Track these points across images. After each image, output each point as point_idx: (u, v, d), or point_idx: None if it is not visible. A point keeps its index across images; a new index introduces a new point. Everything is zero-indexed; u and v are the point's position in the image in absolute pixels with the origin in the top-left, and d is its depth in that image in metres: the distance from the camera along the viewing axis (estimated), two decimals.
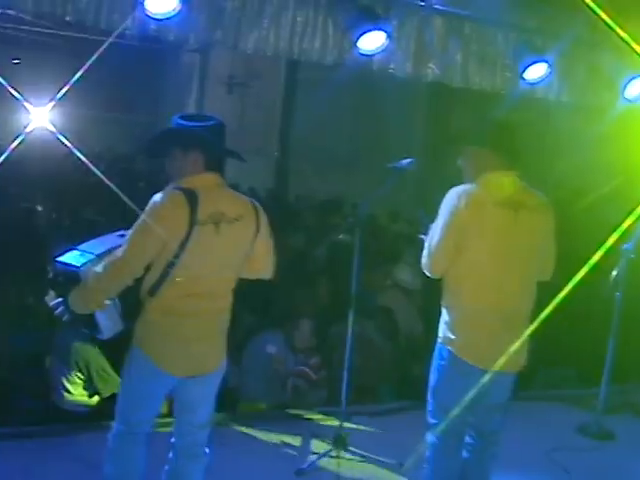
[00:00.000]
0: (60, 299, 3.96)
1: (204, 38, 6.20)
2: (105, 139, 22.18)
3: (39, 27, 17.29)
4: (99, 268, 3.78)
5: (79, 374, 5.88)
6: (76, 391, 5.90)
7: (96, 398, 5.93)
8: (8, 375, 6.16)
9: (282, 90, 18.28)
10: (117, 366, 5.89)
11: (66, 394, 5.90)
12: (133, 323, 3.98)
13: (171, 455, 4.22)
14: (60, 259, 4.03)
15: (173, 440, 4.21)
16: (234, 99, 18.38)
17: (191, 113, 4.05)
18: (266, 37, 6.19)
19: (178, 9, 5.58)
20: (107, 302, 3.92)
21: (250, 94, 18.40)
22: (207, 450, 4.24)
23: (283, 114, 18.25)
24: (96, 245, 4.02)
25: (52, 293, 4.02)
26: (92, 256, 3.93)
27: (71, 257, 3.99)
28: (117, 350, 6.00)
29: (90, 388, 5.91)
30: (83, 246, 4.06)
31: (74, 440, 5.52)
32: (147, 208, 3.75)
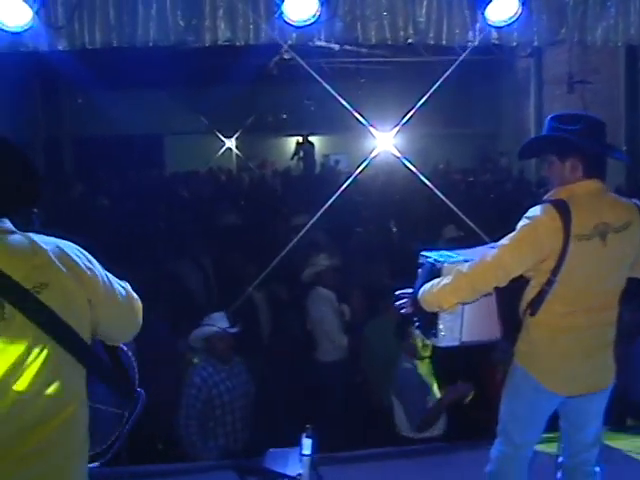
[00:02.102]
0: (410, 290, 3.97)
1: (547, 38, 5.99)
2: (447, 155, 22.44)
3: (374, 57, 17.94)
4: (464, 267, 3.71)
5: None
6: None
7: None
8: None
9: (623, 82, 17.31)
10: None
11: None
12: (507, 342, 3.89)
13: (559, 476, 4.04)
14: (425, 253, 4.06)
15: (561, 460, 4.01)
16: (574, 98, 17.68)
17: (566, 113, 3.79)
18: (614, 27, 5.84)
19: (519, 13, 5.48)
20: (457, 307, 3.82)
21: (589, 91, 17.61)
22: (597, 469, 3.99)
23: (627, 107, 17.28)
24: (467, 253, 3.96)
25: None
26: (459, 258, 3.88)
27: (437, 255, 3.99)
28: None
29: None
30: (453, 251, 4.04)
31: (452, 459, 5.50)
32: (523, 222, 3.63)
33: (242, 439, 5.90)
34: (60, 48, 5.72)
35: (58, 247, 2.40)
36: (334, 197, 9.04)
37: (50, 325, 2.28)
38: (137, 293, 2.69)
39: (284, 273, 8.61)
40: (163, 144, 23.77)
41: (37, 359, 2.27)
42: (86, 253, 2.50)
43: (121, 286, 2.63)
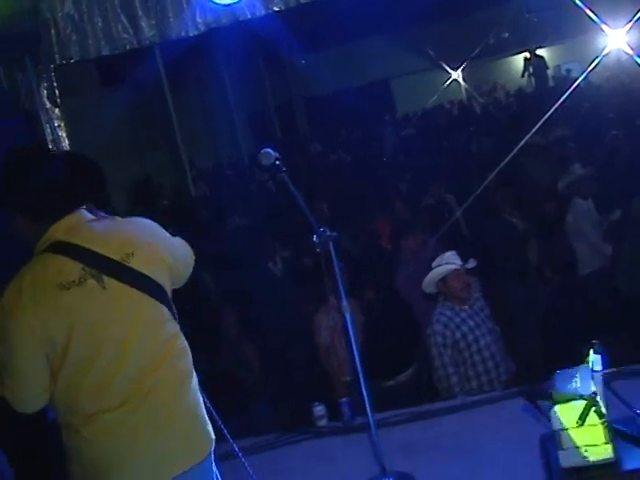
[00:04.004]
0: None
1: None
2: None
3: None
4: None
5: None
6: None
7: None
8: None
9: None
10: None
11: None
12: None
13: None
14: None
15: None
16: None
17: None
18: None
19: None
20: None
21: None
22: None
23: None
24: None
25: None
26: None
27: None
28: None
29: None
30: None
31: None
32: None
33: (496, 378, 5.69)
34: (276, 9, 5.74)
35: (134, 221, 3.14)
36: (561, 101, 8.52)
37: (142, 284, 2.95)
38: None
39: (539, 193, 8.32)
40: (391, 88, 23.80)
41: (140, 313, 2.94)
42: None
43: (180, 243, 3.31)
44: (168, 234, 3.21)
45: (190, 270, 3.34)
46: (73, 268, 2.86)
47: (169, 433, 2.97)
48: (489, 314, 5.91)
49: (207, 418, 3.16)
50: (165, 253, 3.08)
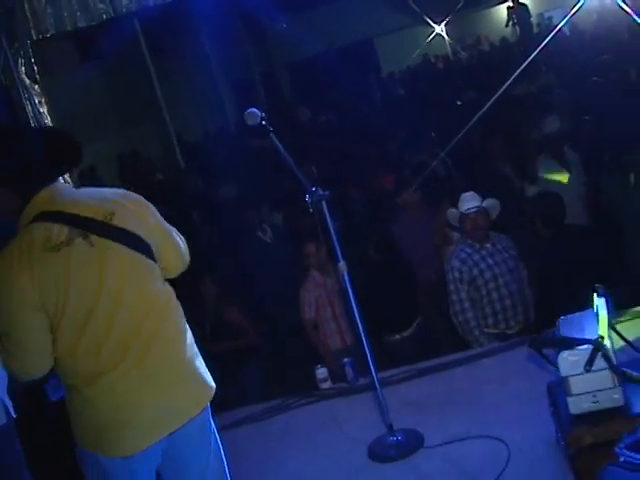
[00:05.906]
0: None
1: None
2: None
3: None
4: None
5: None
6: None
7: None
8: None
9: None
10: None
11: None
12: None
13: None
14: None
15: None
16: None
17: None
18: None
19: None
20: None
21: None
22: None
23: None
24: None
25: None
26: None
27: None
28: None
29: None
30: None
31: None
32: None
33: (513, 317, 5.69)
34: None
35: (110, 189, 3.25)
36: (540, 48, 8.36)
37: (127, 240, 3.05)
38: None
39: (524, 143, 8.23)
40: (374, 46, 23.62)
41: (128, 267, 3.05)
42: None
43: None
44: (158, 213, 3.30)
45: (183, 259, 3.41)
46: (60, 231, 2.97)
47: (173, 389, 3.10)
48: (515, 255, 5.89)
49: (205, 367, 3.28)
50: (149, 217, 3.20)
